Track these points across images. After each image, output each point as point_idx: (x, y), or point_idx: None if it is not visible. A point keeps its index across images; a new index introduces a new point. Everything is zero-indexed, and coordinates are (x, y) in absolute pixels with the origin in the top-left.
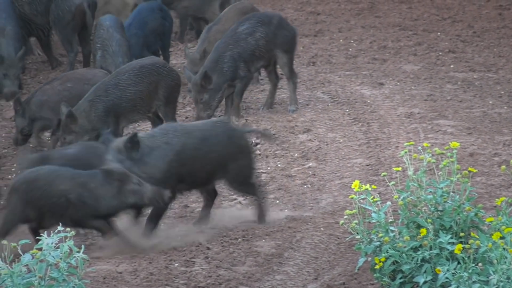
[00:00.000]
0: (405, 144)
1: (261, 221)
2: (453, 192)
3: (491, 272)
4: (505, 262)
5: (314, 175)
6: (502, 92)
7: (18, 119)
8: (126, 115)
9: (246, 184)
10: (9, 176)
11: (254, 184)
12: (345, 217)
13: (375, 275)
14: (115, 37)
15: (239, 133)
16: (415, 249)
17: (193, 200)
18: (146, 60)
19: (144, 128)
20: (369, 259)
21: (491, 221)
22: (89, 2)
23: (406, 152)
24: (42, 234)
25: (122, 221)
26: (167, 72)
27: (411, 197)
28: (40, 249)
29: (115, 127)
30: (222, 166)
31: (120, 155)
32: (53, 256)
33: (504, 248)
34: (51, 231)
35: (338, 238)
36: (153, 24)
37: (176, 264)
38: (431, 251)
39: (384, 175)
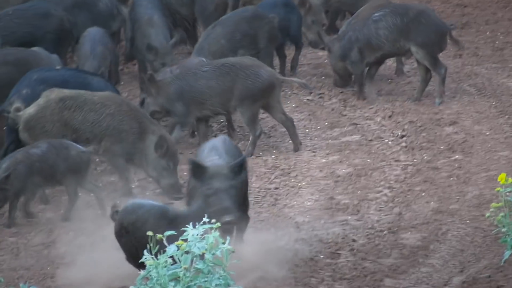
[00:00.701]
0: None
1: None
2: None
3: None
4: None
5: (460, 167)
6: None
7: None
8: (196, 107)
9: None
10: None
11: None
12: (491, 210)
13: None
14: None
15: None
16: None
17: (339, 192)
18: (233, 59)
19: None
20: None
21: None
22: None
23: None
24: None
25: None
26: (246, 74)
27: None
28: (186, 240)
29: (184, 114)
30: None
31: (227, 181)
32: (198, 247)
33: None
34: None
35: (484, 231)
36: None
37: (322, 256)
38: None
39: None
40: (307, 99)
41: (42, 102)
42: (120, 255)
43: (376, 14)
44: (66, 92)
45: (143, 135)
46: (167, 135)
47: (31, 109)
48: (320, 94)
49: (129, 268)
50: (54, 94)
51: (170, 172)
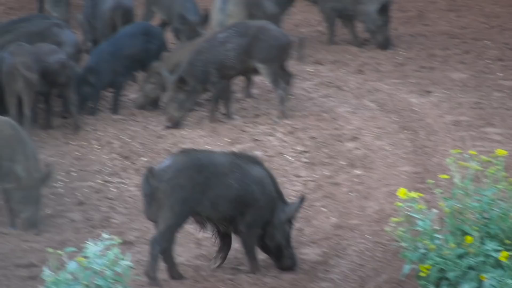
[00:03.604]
0: (452, 151)
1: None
2: (500, 199)
3: None
4: None
5: (361, 183)
6: None
7: None
8: None
9: None
10: None
11: None
12: (391, 224)
13: (420, 282)
14: None
15: None
16: (461, 256)
17: None
18: None
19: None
20: (415, 266)
21: None
22: None
23: (452, 160)
24: (88, 243)
25: None
26: None
27: (457, 205)
28: (86, 257)
29: None
30: None
31: None
32: (98, 264)
33: None
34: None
35: (384, 245)
36: (131, 50)
37: (222, 272)
38: (476, 259)
39: (430, 183)
40: (208, 115)
41: None
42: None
43: (222, 35)
44: None
45: (11, 163)
46: (25, 170)
47: None
48: (220, 110)
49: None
50: None
51: (26, 206)
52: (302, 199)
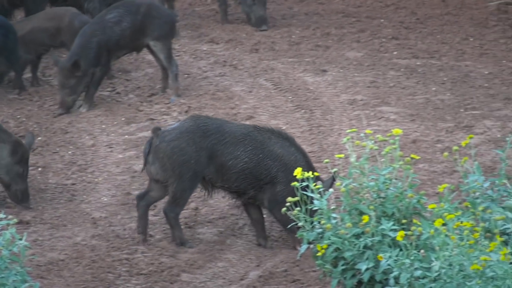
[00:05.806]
0: (348, 131)
1: None
2: (396, 179)
3: (433, 259)
4: (447, 249)
5: None
6: (445, 79)
7: None
8: None
9: None
10: None
11: None
12: (288, 204)
13: (317, 262)
14: None
15: None
16: (357, 236)
17: (136, 187)
18: None
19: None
20: (311, 246)
21: (433, 208)
22: None
23: (348, 139)
24: None
25: None
26: None
27: (354, 184)
28: None
29: None
30: None
31: None
32: None
33: (446, 235)
34: None
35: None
36: None
37: (119, 252)
38: (373, 238)
39: (326, 162)
40: (104, 95)
41: None
42: None
43: (112, 15)
44: None
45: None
46: (22, 141)
47: None
48: (115, 89)
49: None
50: None
51: (23, 179)
52: (334, 178)
